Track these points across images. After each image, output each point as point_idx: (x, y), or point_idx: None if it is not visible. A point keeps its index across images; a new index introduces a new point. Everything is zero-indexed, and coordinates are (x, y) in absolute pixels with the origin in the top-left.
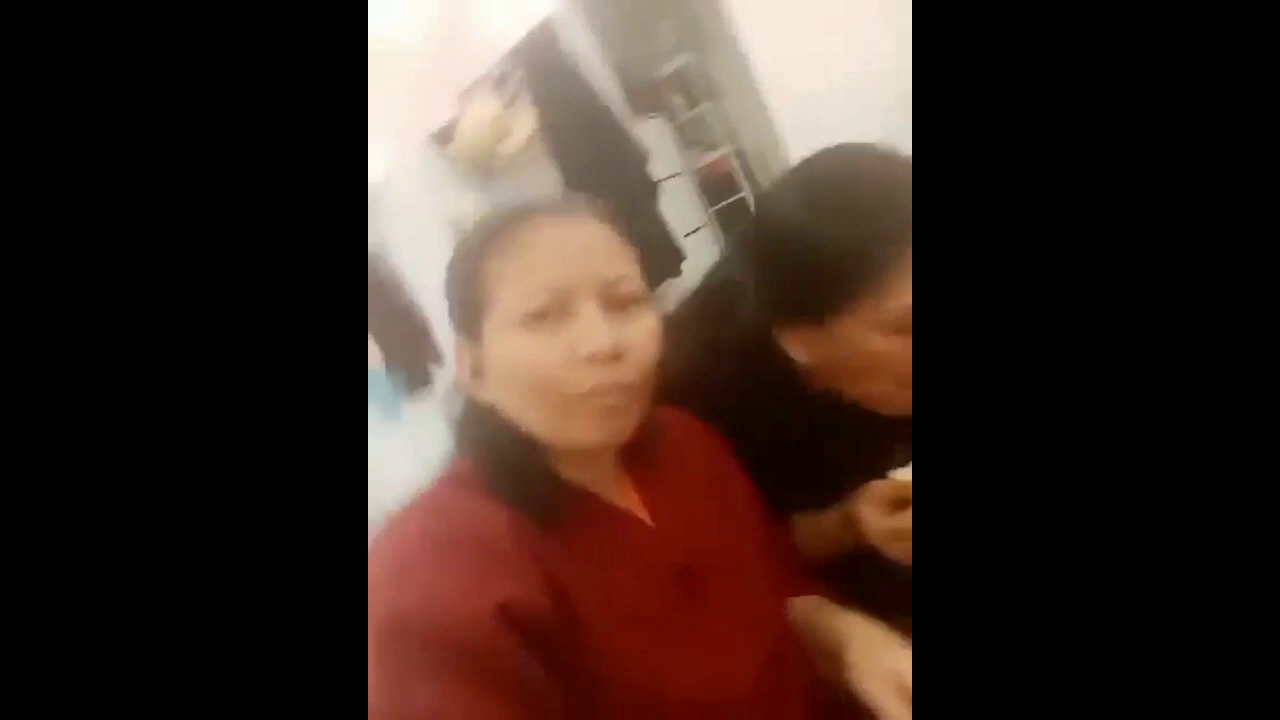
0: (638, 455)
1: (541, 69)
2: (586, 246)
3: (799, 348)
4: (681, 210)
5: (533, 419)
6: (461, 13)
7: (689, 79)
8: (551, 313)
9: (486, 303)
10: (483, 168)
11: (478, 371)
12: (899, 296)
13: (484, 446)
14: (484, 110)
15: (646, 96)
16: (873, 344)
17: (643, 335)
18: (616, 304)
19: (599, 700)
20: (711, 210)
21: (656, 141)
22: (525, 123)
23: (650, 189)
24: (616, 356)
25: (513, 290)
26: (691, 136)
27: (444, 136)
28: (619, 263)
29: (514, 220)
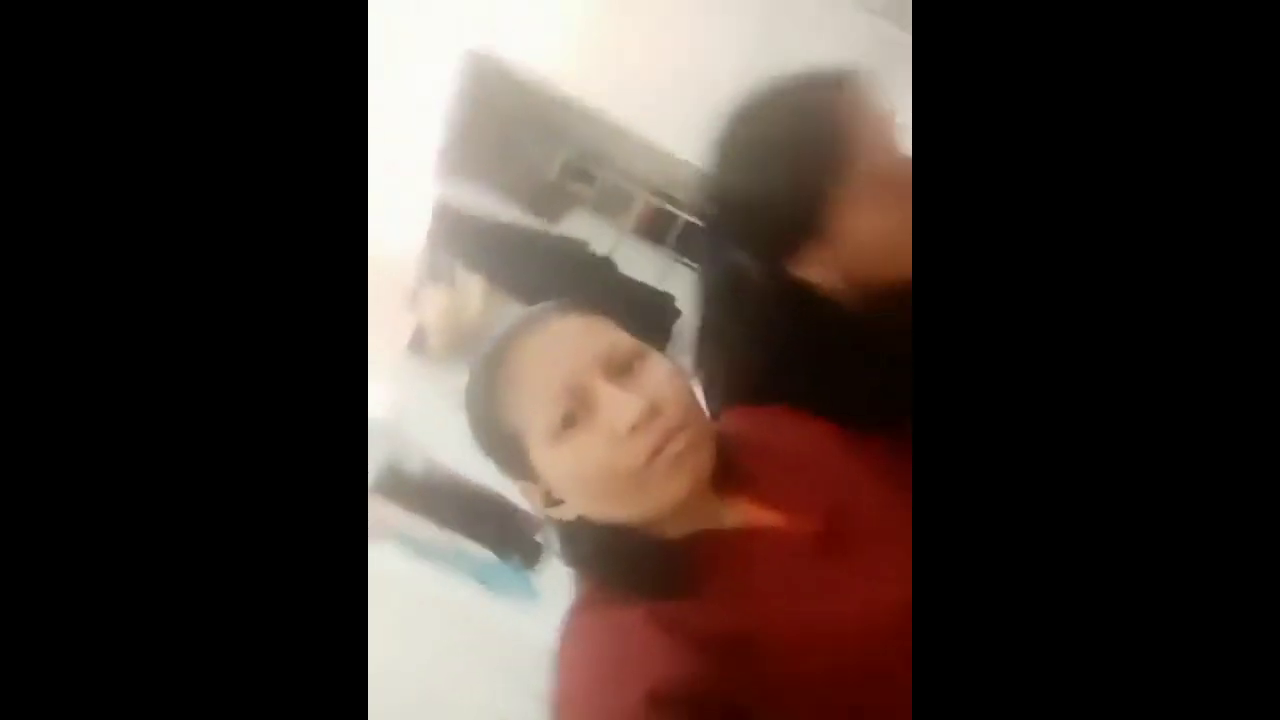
0: (727, 472)
1: (459, 238)
2: (568, 339)
3: (819, 270)
4: (643, 264)
5: (620, 509)
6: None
7: (576, 164)
8: (576, 411)
9: (519, 439)
10: (462, 345)
11: (550, 500)
12: (869, 160)
13: (592, 558)
14: (436, 301)
15: (554, 201)
16: (876, 221)
17: (663, 380)
18: (622, 369)
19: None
20: (666, 247)
21: (586, 228)
22: (474, 288)
23: (606, 264)
24: (654, 413)
25: (532, 413)
26: (610, 205)
27: (418, 343)
28: (603, 334)
29: (498, 355)
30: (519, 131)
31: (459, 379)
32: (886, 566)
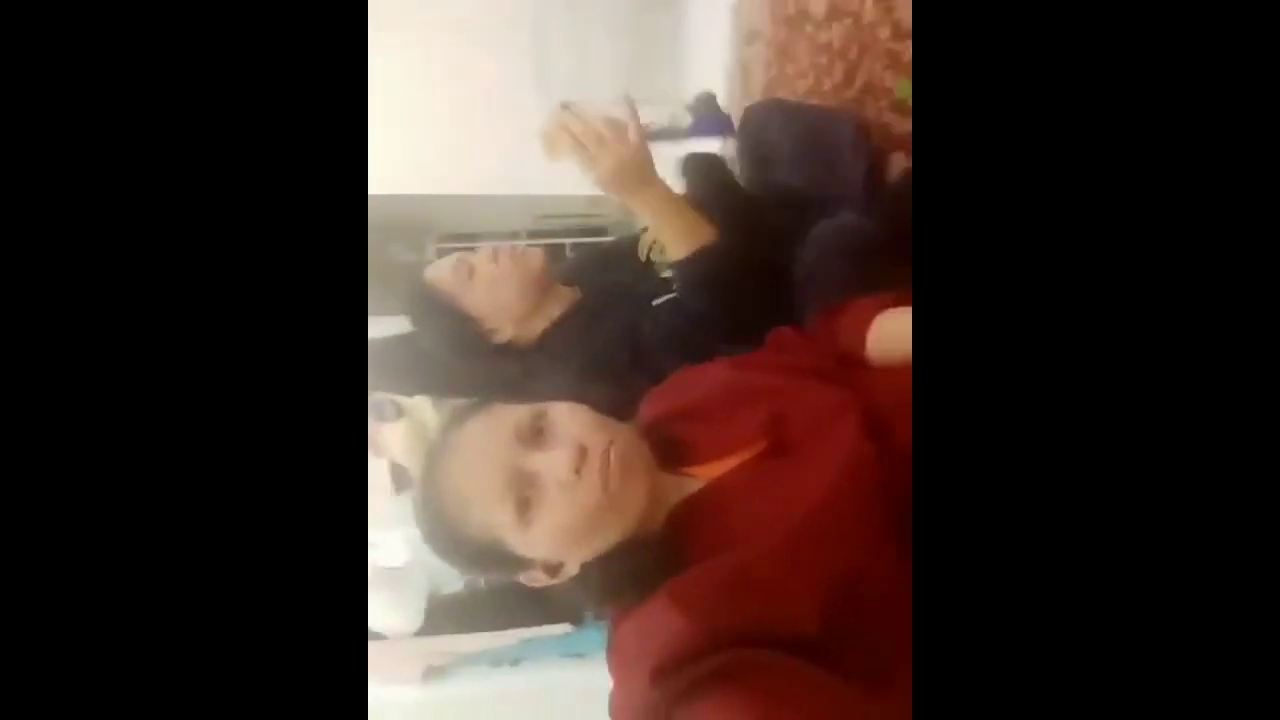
0: (667, 451)
1: (382, 372)
2: (477, 443)
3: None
4: None
5: (607, 538)
6: None
7: (450, 247)
8: (524, 492)
9: (496, 545)
10: None
11: (553, 571)
12: None
13: (608, 589)
14: (396, 438)
15: None
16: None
17: (570, 420)
18: (534, 434)
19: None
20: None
21: None
22: (423, 409)
23: None
24: (582, 450)
25: (491, 520)
26: None
27: (401, 482)
28: (500, 419)
29: (431, 493)
30: (388, 248)
31: None
32: (827, 439)
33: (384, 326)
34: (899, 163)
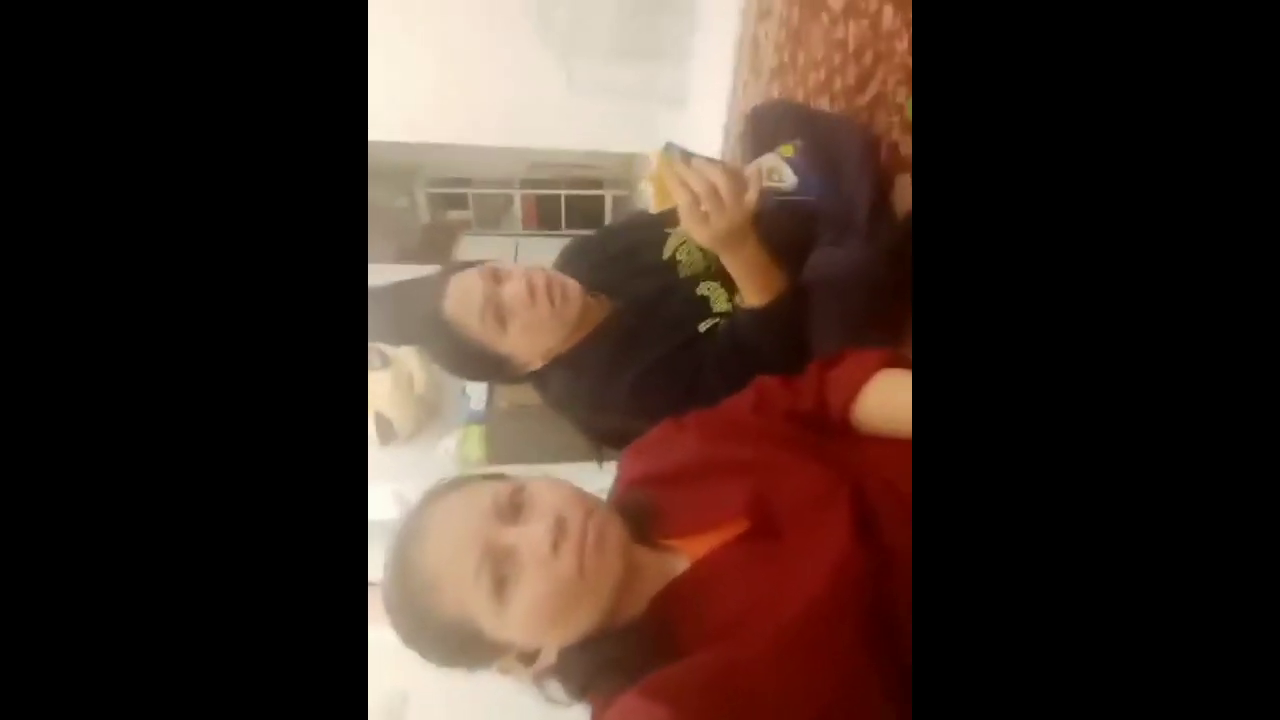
0: (646, 520)
1: (377, 324)
2: (454, 520)
3: None
4: (549, 256)
5: (585, 620)
6: None
7: (442, 193)
8: (500, 569)
9: (469, 626)
10: (426, 416)
11: (529, 658)
12: None
13: (588, 680)
14: (381, 388)
15: (439, 239)
16: None
17: (548, 494)
18: (514, 509)
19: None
20: (561, 230)
21: (480, 248)
22: (409, 360)
23: None
24: (560, 524)
25: (465, 600)
26: (492, 215)
27: (386, 434)
28: (478, 495)
29: (404, 575)
30: (375, 194)
31: (439, 444)
32: (817, 532)
33: (371, 274)
34: (905, 186)
